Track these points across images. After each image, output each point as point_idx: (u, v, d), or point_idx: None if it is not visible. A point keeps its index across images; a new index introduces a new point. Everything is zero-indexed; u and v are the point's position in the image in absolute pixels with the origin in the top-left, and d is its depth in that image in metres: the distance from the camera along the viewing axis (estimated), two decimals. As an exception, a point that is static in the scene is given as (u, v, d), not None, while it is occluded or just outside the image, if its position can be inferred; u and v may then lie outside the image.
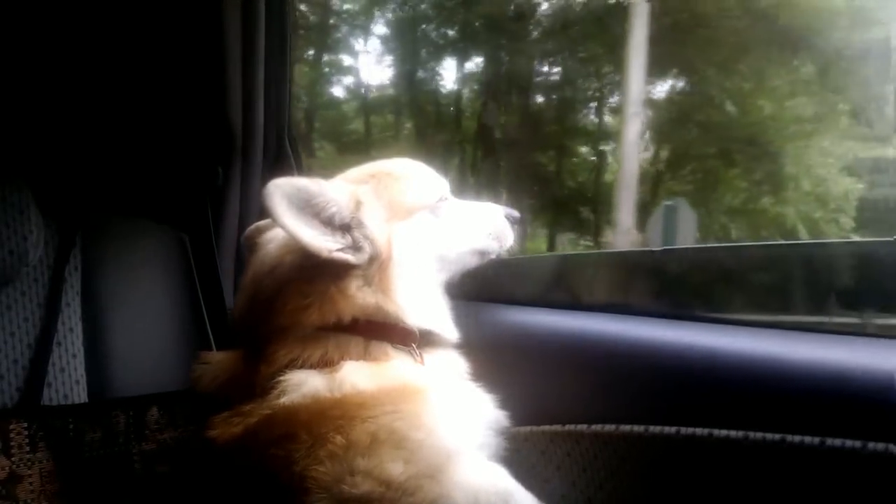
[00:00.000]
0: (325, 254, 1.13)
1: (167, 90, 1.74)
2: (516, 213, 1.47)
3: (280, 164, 1.87)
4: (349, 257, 1.16)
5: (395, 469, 1.00)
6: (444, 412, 1.12)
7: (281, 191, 1.08)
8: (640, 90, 8.35)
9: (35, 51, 1.62)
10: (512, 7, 9.32)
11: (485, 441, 1.20)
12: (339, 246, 1.15)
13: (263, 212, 1.14)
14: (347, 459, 1.01)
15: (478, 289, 1.58)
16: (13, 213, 1.34)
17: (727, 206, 9.31)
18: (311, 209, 1.12)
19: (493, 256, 1.43)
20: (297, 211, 1.10)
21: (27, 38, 1.61)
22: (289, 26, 1.84)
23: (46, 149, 1.63)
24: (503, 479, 1.12)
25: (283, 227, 1.10)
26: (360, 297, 1.18)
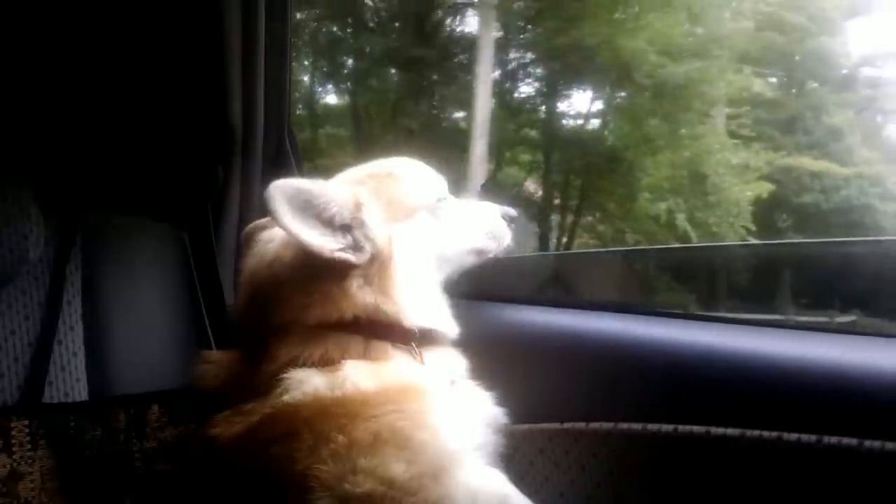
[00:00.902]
0: (327, 254, 1.13)
1: (168, 89, 1.74)
2: (514, 212, 1.47)
3: (280, 163, 1.87)
4: (351, 257, 1.16)
5: (398, 469, 1.01)
6: (447, 412, 1.12)
7: (282, 192, 1.09)
8: (486, 115, 9.77)
9: (36, 50, 1.62)
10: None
11: (484, 440, 1.20)
12: (341, 246, 1.15)
13: (263, 211, 1.14)
14: (350, 458, 1.01)
15: (475, 287, 1.59)
16: (13, 211, 1.34)
17: (616, 213, 10.70)
18: (313, 210, 1.13)
19: (490, 255, 1.44)
20: (298, 212, 1.10)
21: (29, 38, 1.61)
22: (289, 26, 1.84)
23: (47, 147, 1.63)
24: (502, 484, 1.13)
25: (285, 228, 1.10)
26: (360, 296, 1.18)
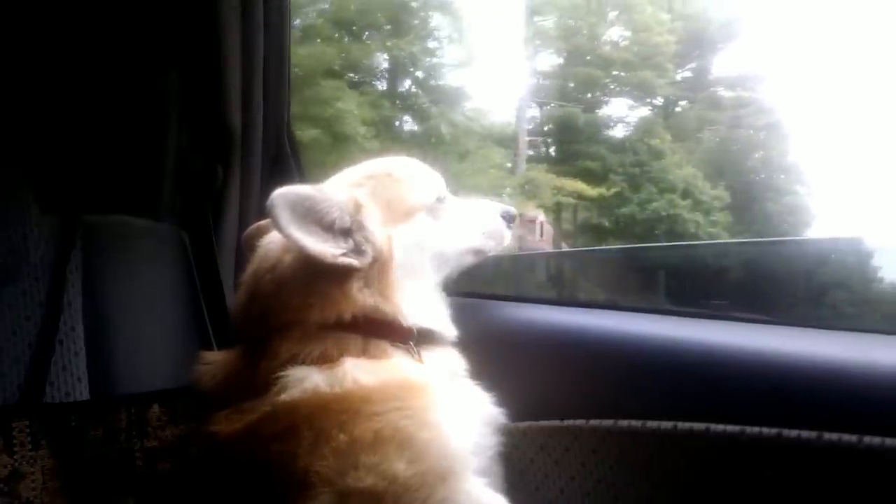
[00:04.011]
0: (329, 259, 1.14)
1: (168, 90, 1.74)
2: (513, 211, 1.47)
3: (280, 163, 1.87)
4: (353, 261, 1.16)
5: (401, 466, 1.01)
6: (448, 409, 1.13)
7: (284, 200, 1.09)
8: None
9: (36, 50, 1.62)
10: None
11: (484, 440, 1.20)
12: (342, 251, 1.16)
13: (263, 211, 1.14)
14: (351, 454, 1.01)
15: (474, 285, 1.59)
16: (14, 212, 1.35)
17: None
18: (314, 216, 1.13)
19: (489, 254, 1.44)
20: (300, 219, 1.11)
21: (28, 38, 1.61)
22: (288, 25, 1.84)
23: (47, 147, 1.63)
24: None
25: (287, 237, 1.11)
26: (361, 297, 1.19)
